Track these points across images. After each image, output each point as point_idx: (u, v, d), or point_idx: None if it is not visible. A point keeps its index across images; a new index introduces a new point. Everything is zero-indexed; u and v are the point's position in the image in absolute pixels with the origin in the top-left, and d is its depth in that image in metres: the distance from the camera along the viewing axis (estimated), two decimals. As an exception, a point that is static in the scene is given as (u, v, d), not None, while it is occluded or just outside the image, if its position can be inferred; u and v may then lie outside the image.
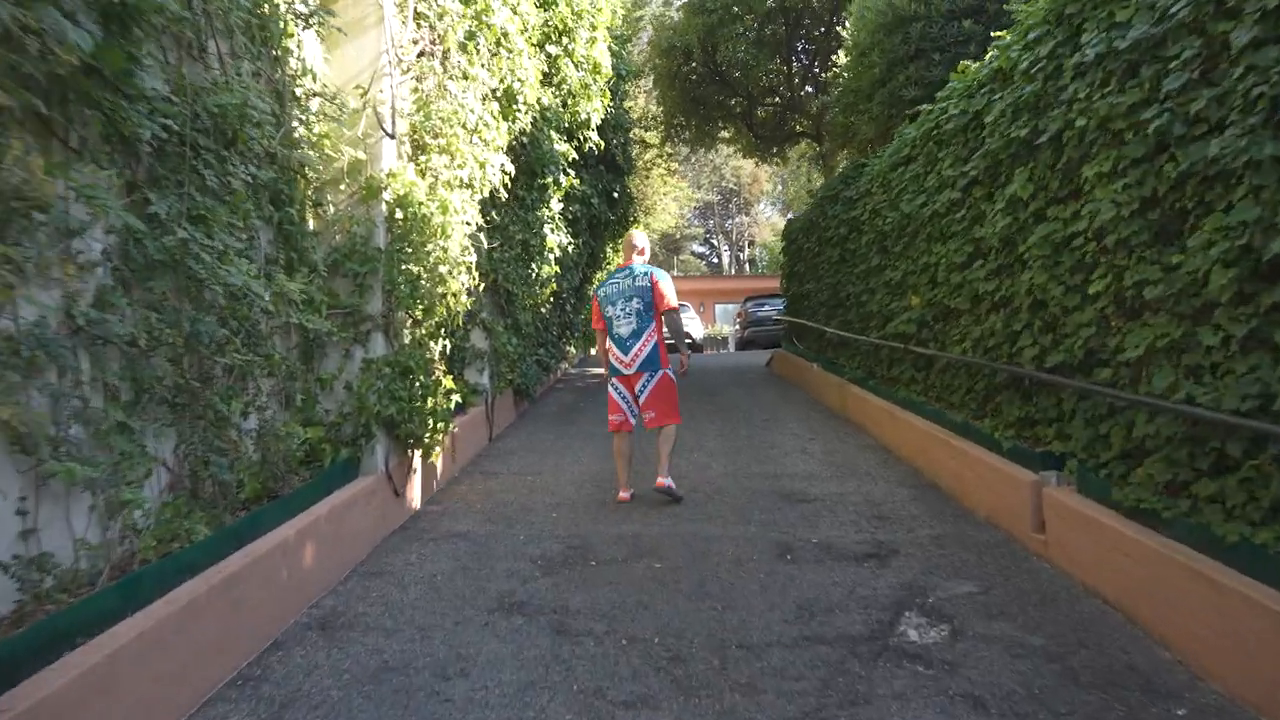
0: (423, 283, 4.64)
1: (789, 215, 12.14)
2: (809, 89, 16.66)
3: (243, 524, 3.21)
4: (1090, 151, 3.59)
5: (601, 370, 5.44)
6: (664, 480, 5.02)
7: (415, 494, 4.95)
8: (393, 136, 4.44)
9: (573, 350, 12.90)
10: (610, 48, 9.52)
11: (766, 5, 15.29)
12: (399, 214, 4.50)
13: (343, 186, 4.39)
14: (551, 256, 8.90)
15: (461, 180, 5.05)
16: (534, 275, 8.27)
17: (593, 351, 20.69)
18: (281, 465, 3.66)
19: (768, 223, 48.45)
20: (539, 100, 7.01)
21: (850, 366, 8.21)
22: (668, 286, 5.21)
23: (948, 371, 5.58)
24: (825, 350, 9.74)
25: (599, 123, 8.96)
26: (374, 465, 4.37)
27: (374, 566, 3.99)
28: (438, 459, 5.30)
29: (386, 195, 4.44)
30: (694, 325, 23.66)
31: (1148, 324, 3.20)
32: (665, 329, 5.26)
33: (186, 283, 2.98)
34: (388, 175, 4.44)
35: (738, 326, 24.80)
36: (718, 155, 42.18)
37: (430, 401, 4.74)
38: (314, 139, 4.17)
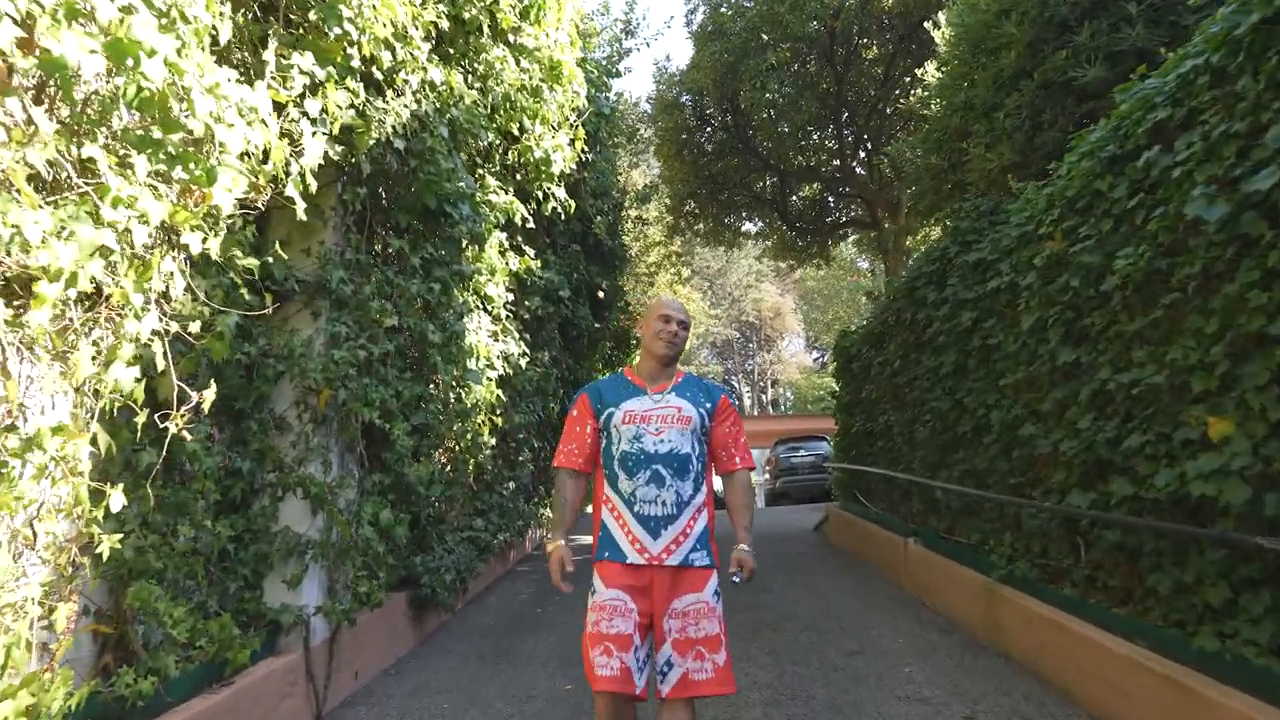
0: None
1: (836, 334, 8.77)
2: (859, 169, 12.73)
3: None
4: None
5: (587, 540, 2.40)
6: None
7: None
8: None
9: (549, 513, 9.34)
10: (587, 72, 6.62)
11: (807, 29, 11.12)
12: None
13: None
14: (490, 374, 5.60)
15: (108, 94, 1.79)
16: (449, 400, 4.93)
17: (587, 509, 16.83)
18: None
19: (792, 360, 45.14)
20: (426, 77, 3.93)
21: (1000, 553, 4.61)
22: None
23: None
24: (928, 515, 6.14)
25: (567, 171, 5.90)
26: None
27: None
28: None
29: None
30: None
31: None
32: None
33: None
34: None
35: (768, 476, 21.11)
36: (737, 286, 39.55)
37: None
38: None
